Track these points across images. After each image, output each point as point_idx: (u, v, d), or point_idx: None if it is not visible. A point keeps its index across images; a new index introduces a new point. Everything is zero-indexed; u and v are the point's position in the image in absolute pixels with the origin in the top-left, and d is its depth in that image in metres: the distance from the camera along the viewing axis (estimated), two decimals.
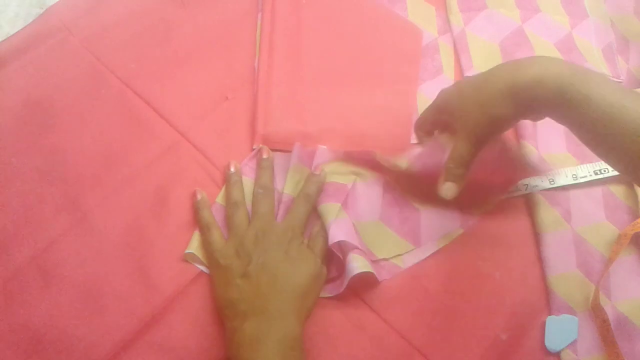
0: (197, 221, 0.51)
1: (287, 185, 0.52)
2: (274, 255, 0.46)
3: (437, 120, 0.51)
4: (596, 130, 0.40)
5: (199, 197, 0.51)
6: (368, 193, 0.54)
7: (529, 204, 0.58)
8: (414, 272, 0.53)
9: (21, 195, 0.51)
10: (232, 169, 0.53)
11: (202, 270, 0.50)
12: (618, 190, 0.60)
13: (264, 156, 0.53)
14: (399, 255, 0.53)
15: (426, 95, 0.61)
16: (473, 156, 0.45)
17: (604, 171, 0.59)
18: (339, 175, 0.54)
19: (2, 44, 0.55)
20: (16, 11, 0.57)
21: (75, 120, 0.54)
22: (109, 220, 0.51)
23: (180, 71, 0.57)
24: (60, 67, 0.56)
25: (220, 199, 0.52)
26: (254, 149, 0.55)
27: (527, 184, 0.58)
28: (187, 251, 0.48)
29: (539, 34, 0.66)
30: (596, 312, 0.54)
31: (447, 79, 0.62)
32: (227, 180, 0.52)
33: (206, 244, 0.49)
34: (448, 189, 0.46)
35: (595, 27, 0.68)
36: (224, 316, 0.46)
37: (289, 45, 0.59)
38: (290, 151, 0.54)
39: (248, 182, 0.53)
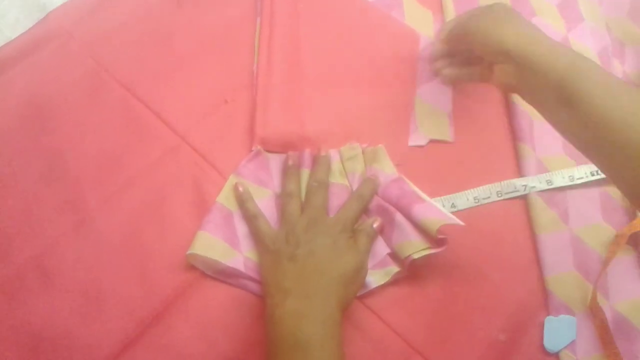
0: (243, 212, 0.52)
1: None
2: (322, 243, 0.47)
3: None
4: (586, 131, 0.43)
5: (241, 189, 0.52)
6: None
7: (526, 205, 0.59)
8: (413, 274, 0.53)
9: (22, 197, 0.51)
10: (290, 162, 0.54)
11: (202, 273, 0.50)
12: (615, 192, 0.60)
13: (322, 153, 0.55)
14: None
15: (423, 98, 0.61)
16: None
17: (600, 172, 0.59)
18: (341, 175, 0.55)
19: (3, 49, 0.56)
20: (17, 16, 0.57)
21: (76, 124, 0.54)
22: (109, 222, 0.51)
23: (180, 75, 0.58)
24: (61, 71, 0.56)
25: (220, 198, 0.52)
26: (252, 151, 0.55)
27: (525, 185, 0.58)
28: (189, 252, 0.49)
29: None
30: (594, 313, 0.54)
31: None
32: (285, 172, 0.54)
33: (255, 232, 0.51)
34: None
35: (591, 31, 0.69)
36: (266, 294, 0.47)
37: (288, 49, 0.59)
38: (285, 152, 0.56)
39: (247, 183, 0.53)
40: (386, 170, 0.55)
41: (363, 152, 0.56)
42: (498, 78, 0.51)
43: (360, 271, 0.48)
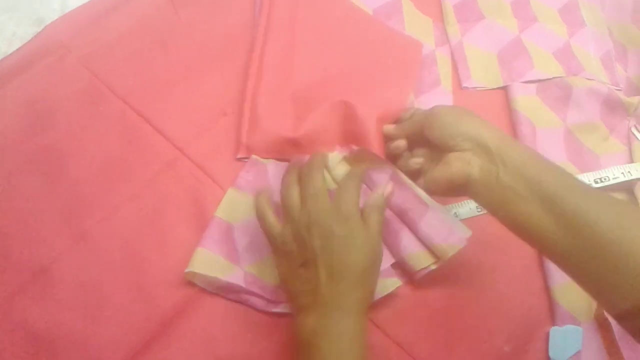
0: (255, 207, 0.48)
1: None
2: (329, 240, 0.44)
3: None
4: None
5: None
6: None
7: None
8: (416, 286, 0.53)
9: (20, 212, 0.51)
10: (293, 161, 0.51)
11: (202, 289, 0.49)
12: (619, 198, 0.59)
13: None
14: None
15: (424, 108, 0.60)
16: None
17: (605, 179, 0.59)
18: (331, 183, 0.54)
19: (0, 63, 0.55)
20: (13, 30, 0.57)
21: (73, 138, 0.54)
22: (108, 237, 0.50)
23: (179, 87, 0.57)
24: (59, 85, 0.56)
25: (219, 212, 0.52)
26: (238, 159, 0.54)
27: None
28: (187, 270, 0.48)
29: (536, 43, 0.66)
30: (600, 322, 0.53)
31: (444, 90, 0.62)
32: (285, 171, 0.50)
33: (264, 230, 0.47)
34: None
35: (593, 36, 0.68)
36: (291, 307, 0.46)
37: (280, 56, 0.58)
38: (280, 159, 0.55)
39: (246, 196, 0.53)
40: (377, 165, 0.54)
41: (348, 157, 0.55)
42: (453, 169, 0.45)
43: (376, 260, 0.46)
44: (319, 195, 0.46)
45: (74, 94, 0.55)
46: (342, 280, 0.43)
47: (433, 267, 0.51)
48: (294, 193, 0.47)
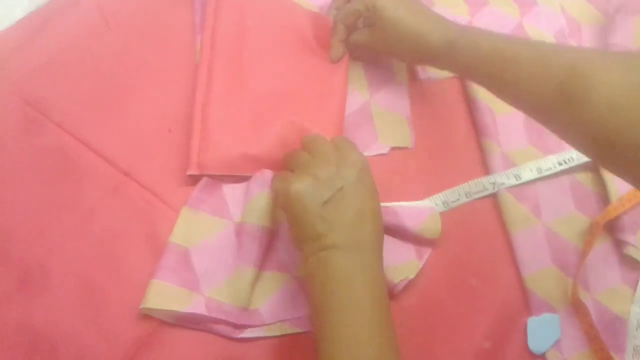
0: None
1: (249, 214, 0.49)
2: (351, 185, 0.44)
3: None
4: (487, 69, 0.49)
5: None
6: None
7: (497, 203, 0.57)
8: (389, 289, 0.51)
9: None
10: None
11: (162, 321, 0.47)
12: (585, 178, 0.59)
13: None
14: None
15: (379, 105, 0.58)
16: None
17: (569, 160, 0.58)
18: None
19: None
20: None
21: (9, 173, 0.50)
22: (57, 275, 0.47)
23: (118, 106, 0.53)
24: None
25: (173, 237, 0.49)
26: (188, 175, 0.51)
27: (494, 182, 0.56)
28: (142, 306, 0.45)
29: (489, 27, 0.64)
30: (577, 307, 0.53)
31: (400, 83, 0.60)
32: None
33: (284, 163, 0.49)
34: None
35: (545, 14, 0.67)
36: (307, 253, 0.43)
37: (231, 65, 0.55)
38: (234, 175, 0.52)
39: (201, 216, 0.50)
40: None
41: None
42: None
43: (379, 202, 0.46)
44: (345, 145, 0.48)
45: (5, 124, 0.51)
46: (359, 221, 0.43)
47: (411, 276, 0.51)
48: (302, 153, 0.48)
